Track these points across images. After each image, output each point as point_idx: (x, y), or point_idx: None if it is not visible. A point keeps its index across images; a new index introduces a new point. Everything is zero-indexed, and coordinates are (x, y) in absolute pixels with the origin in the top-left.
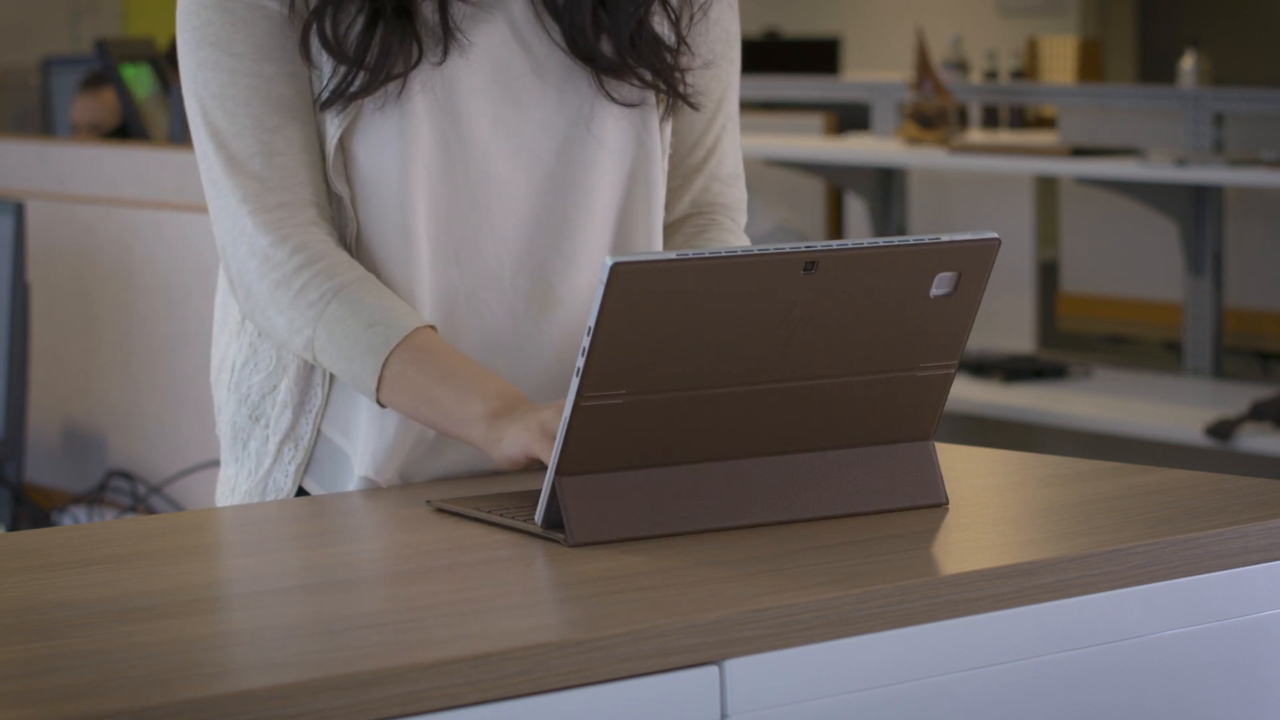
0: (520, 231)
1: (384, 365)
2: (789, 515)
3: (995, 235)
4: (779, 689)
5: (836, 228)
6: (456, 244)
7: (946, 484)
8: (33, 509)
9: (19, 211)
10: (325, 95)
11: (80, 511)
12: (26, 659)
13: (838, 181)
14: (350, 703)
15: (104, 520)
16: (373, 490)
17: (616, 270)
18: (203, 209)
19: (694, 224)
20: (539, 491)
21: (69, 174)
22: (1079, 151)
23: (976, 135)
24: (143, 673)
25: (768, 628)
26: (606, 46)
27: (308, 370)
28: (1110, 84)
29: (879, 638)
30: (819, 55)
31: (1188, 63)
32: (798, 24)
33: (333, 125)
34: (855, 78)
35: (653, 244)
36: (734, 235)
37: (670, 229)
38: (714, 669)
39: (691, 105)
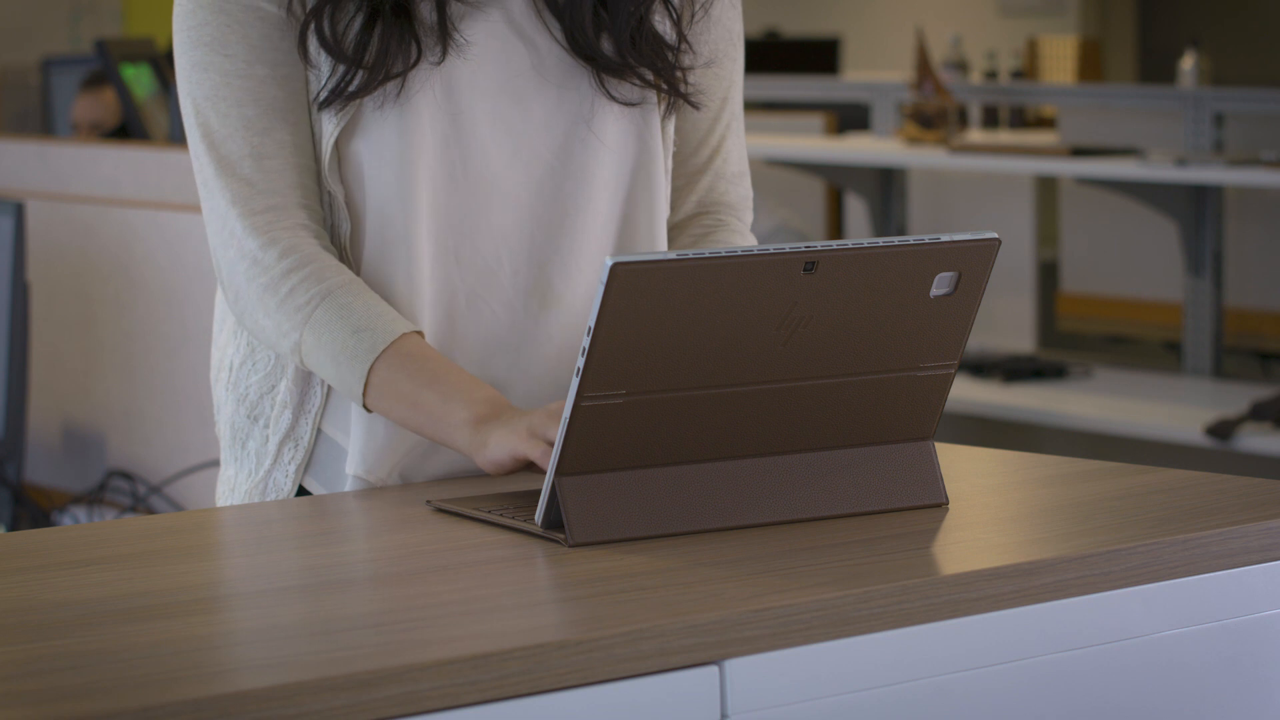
0: (520, 230)
1: (370, 371)
2: (789, 515)
3: (995, 235)
4: (779, 689)
5: (836, 228)
6: (456, 243)
7: (946, 484)
8: (33, 509)
9: (19, 211)
10: (323, 95)
11: (80, 511)
12: (26, 659)
13: (838, 181)
14: (350, 703)
15: (104, 520)
16: (372, 490)
17: (616, 270)
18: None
19: (701, 224)
20: (539, 491)
21: (69, 174)
22: (1079, 151)
23: (976, 135)
24: (143, 673)
25: (768, 628)
26: (607, 45)
27: (306, 370)
28: (1110, 84)
29: (879, 638)
30: (819, 55)
31: (1188, 63)
32: (798, 24)
33: (330, 125)
34: (855, 78)
35: (655, 243)
36: (741, 236)
37: (677, 229)
38: (714, 669)
39: (693, 104)
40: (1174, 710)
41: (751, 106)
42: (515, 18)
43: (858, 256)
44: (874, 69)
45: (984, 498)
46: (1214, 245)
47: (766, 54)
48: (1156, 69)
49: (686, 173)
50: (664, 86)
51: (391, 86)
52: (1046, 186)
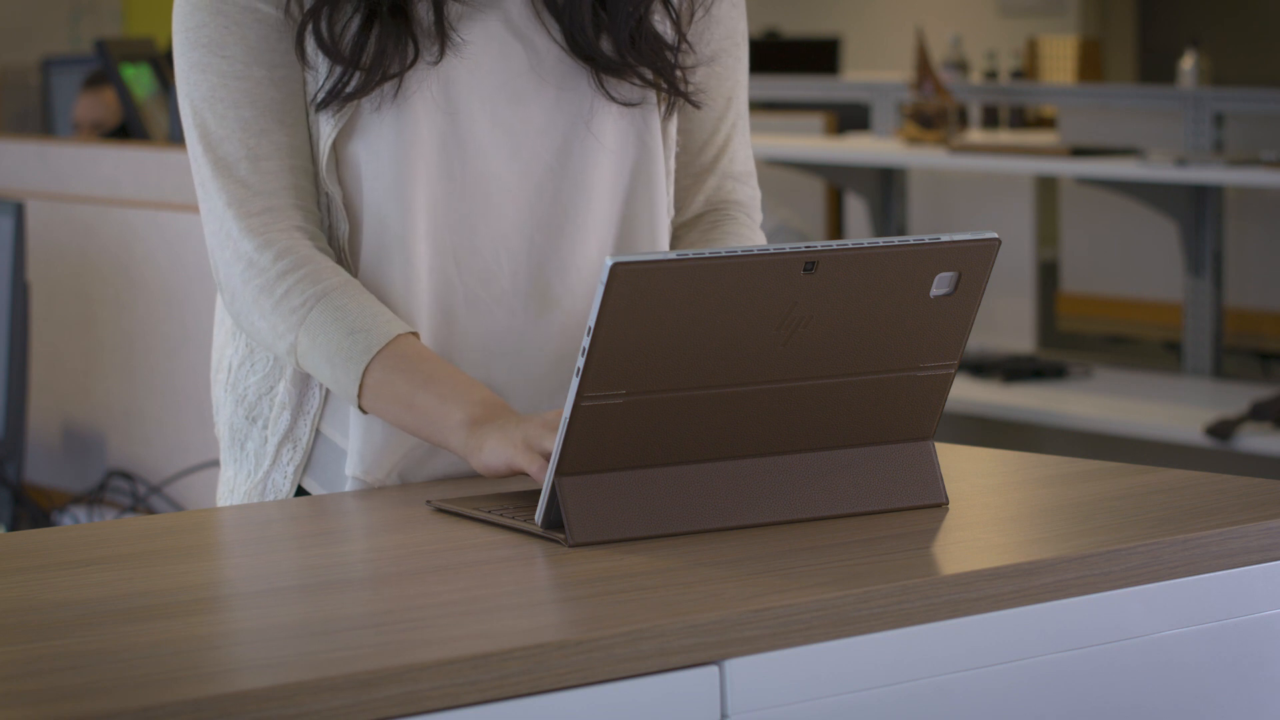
0: (519, 231)
1: (365, 372)
2: (789, 515)
3: (995, 235)
4: (779, 689)
5: (836, 228)
6: (455, 244)
7: (946, 484)
8: (33, 509)
9: (19, 211)
10: (321, 96)
11: (80, 511)
12: (26, 659)
13: (838, 181)
14: (350, 703)
15: (104, 520)
16: (372, 490)
17: (616, 270)
18: None
19: (708, 220)
20: (539, 491)
21: (69, 174)
22: (1079, 151)
23: (976, 135)
24: (143, 673)
25: (768, 628)
26: (606, 45)
27: (303, 371)
28: (1110, 84)
29: (879, 638)
30: (819, 55)
31: (1188, 63)
32: (798, 24)
33: (328, 126)
34: (855, 78)
35: (657, 244)
36: (748, 229)
37: (684, 228)
38: (714, 669)
39: (693, 104)
40: (1174, 710)
41: (752, 106)
42: (513, 18)
43: (858, 256)
44: (874, 69)
45: (984, 498)
46: (1214, 245)
47: (767, 54)
48: (1156, 69)
49: (693, 173)
50: (664, 86)
51: (389, 87)
52: (1046, 186)
